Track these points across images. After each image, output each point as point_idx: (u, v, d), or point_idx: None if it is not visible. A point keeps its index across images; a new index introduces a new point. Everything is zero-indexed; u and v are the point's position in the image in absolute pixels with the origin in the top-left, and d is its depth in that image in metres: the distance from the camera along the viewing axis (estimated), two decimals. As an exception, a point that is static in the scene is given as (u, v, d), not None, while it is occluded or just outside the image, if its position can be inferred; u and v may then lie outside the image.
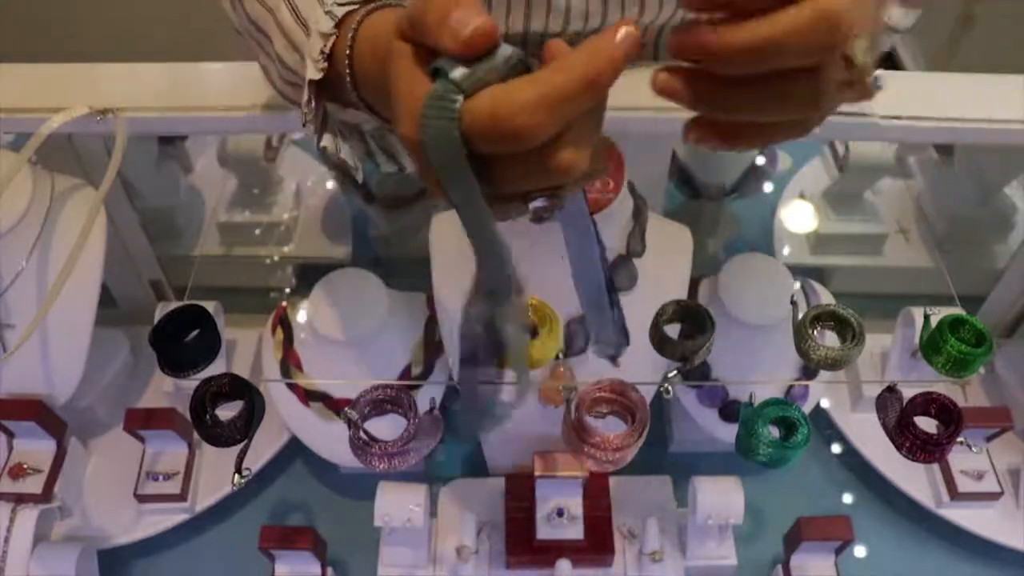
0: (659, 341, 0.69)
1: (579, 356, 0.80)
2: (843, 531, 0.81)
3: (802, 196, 1.15)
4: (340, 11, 0.49)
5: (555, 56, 0.38)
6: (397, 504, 0.82)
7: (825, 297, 0.92)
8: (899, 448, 0.68)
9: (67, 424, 0.88)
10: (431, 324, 0.89)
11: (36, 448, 0.87)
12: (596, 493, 0.85)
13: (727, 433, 0.88)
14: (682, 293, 0.82)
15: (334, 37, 0.49)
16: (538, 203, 0.40)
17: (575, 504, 0.84)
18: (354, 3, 0.50)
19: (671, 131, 0.85)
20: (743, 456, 0.68)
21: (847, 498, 0.95)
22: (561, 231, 0.51)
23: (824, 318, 0.69)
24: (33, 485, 0.85)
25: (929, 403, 0.69)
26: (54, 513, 0.87)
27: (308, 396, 0.87)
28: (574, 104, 0.36)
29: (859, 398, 0.95)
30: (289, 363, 0.88)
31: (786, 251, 1.12)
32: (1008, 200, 1.09)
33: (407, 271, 0.92)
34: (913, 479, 0.92)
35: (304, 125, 0.53)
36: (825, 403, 0.97)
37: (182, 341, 0.67)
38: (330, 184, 1.15)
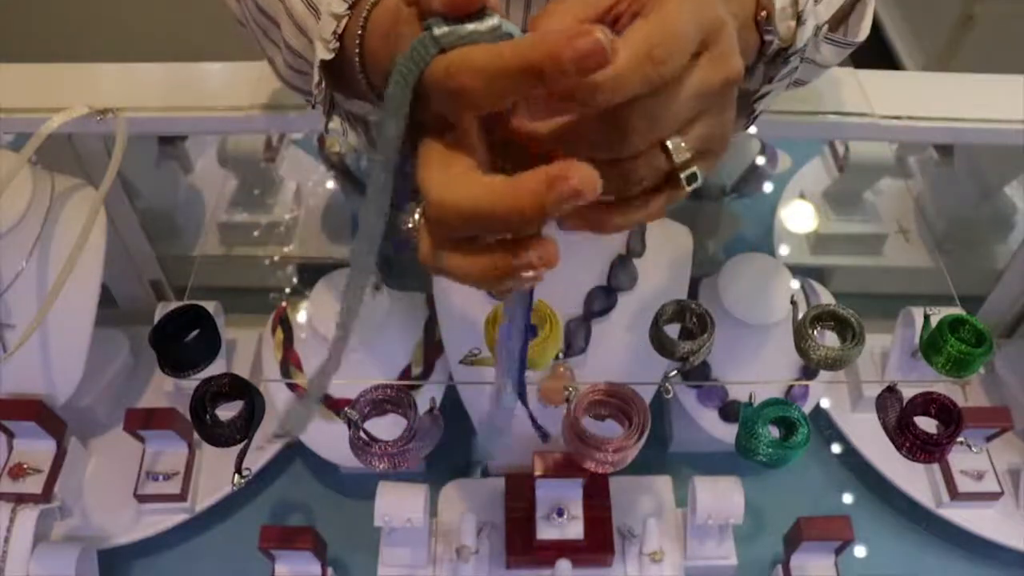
0: (659, 341, 0.69)
1: (579, 356, 0.80)
2: (843, 531, 0.81)
3: (802, 196, 1.15)
4: None
5: (535, 28, 0.39)
6: (397, 504, 0.82)
7: (825, 297, 0.92)
8: (899, 448, 0.68)
9: (67, 424, 0.88)
10: (431, 324, 0.90)
11: (36, 448, 0.87)
12: (596, 493, 0.85)
13: (727, 433, 0.88)
14: (682, 293, 0.82)
15: (346, 18, 0.49)
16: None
17: (575, 504, 0.84)
18: None
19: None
20: (743, 456, 0.68)
21: (847, 498, 0.95)
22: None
23: (824, 318, 0.69)
24: (33, 485, 0.85)
25: (929, 403, 0.69)
26: (54, 513, 0.87)
27: (308, 396, 0.87)
28: (512, 83, 0.36)
29: (859, 398, 0.95)
30: (289, 363, 0.88)
31: (786, 251, 1.12)
32: (1008, 200, 1.09)
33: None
34: (913, 479, 0.92)
35: (312, 107, 0.53)
36: (825, 403, 0.97)
37: (182, 341, 0.67)
38: (330, 184, 1.15)
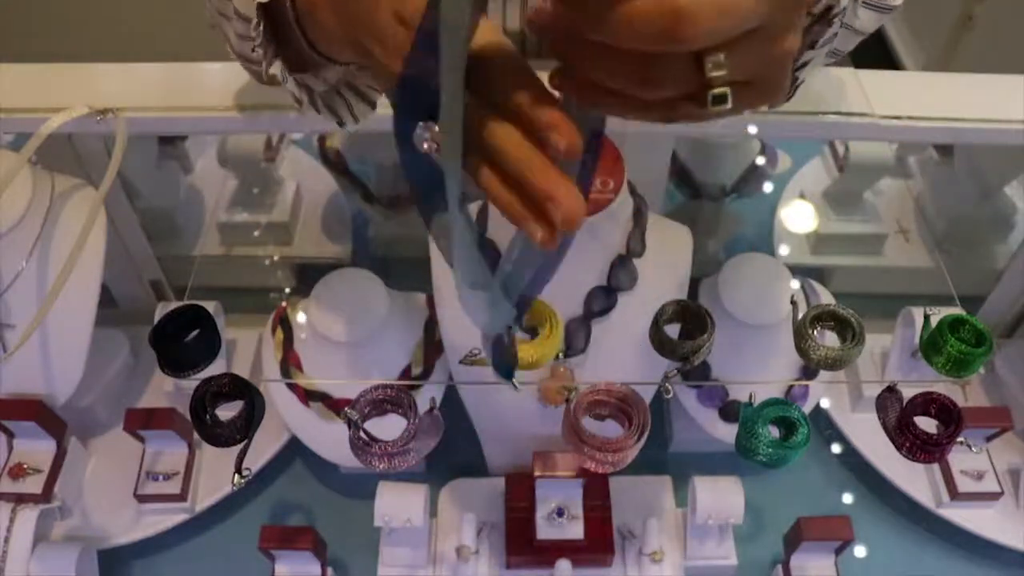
0: (659, 341, 0.68)
1: (579, 356, 0.80)
2: (843, 531, 0.81)
3: (802, 196, 1.15)
4: None
5: None
6: (397, 504, 0.82)
7: (825, 297, 0.92)
8: (899, 448, 0.68)
9: (67, 424, 0.88)
10: (431, 324, 0.90)
11: (36, 448, 0.87)
12: (596, 493, 0.85)
13: (727, 433, 0.88)
14: (682, 293, 0.82)
15: None
16: None
17: (575, 504, 0.84)
18: None
19: (671, 131, 0.86)
20: (743, 456, 0.68)
21: (847, 498, 0.95)
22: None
23: (824, 318, 0.69)
24: (33, 485, 0.85)
25: (929, 403, 0.69)
26: (54, 513, 0.87)
27: (308, 396, 0.87)
28: None
29: (859, 398, 0.95)
30: (289, 363, 0.88)
31: (786, 251, 1.12)
32: (1008, 200, 1.09)
33: (407, 271, 0.92)
34: (913, 479, 0.92)
35: (252, 51, 0.53)
36: (825, 403, 0.97)
37: (182, 341, 0.67)
38: (330, 184, 1.15)
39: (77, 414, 0.90)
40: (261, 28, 0.51)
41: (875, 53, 2.42)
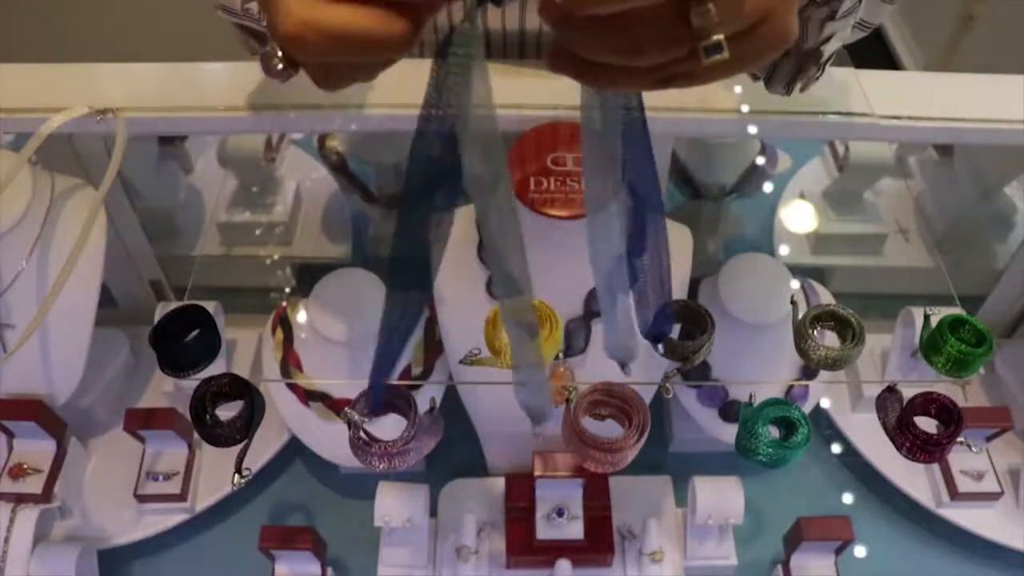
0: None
1: (579, 356, 0.80)
2: (843, 531, 0.81)
3: (802, 196, 1.15)
4: None
5: None
6: (397, 504, 0.82)
7: (825, 297, 0.92)
8: (899, 448, 0.68)
9: (67, 424, 0.88)
10: (431, 324, 0.89)
11: (36, 448, 0.87)
12: (596, 493, 0.85)
13: (727, 433, 0.88)
14: (682, 293, 0.82)
15: None
16: None
17: (575, 504, 0.84)
18: None
19: (671, 131, 0.86)
20: (743, 456, 0.68)
21: (847, 498, 0.95)
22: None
23: (824, 318, 0.69)
24: (33, 485, 0.85)
25: (929, 403, 0.69)
26: (54, 513, 0.87)
27: (308, 396, 0.87)
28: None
29: (859, 398, 0.95)
30: (289, 363, 0.88)
31: (786, 251, 1.12)
32: (1008, 200, 1.09)
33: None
34: (913, 479, 0.92)
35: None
36: (825, 403, 0.97)
37: (182, 341, 0.67)
38: (330, 184, 1.15)
39: (77, 414, 0.90)
40: None
41: (875, 53, 2.42)
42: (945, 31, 2.17)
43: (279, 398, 0.88)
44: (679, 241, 0.85)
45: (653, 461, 0.96)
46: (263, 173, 1.11)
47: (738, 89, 0.77)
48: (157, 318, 0.73)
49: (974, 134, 0.78)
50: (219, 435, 0.65)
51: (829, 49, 0.54)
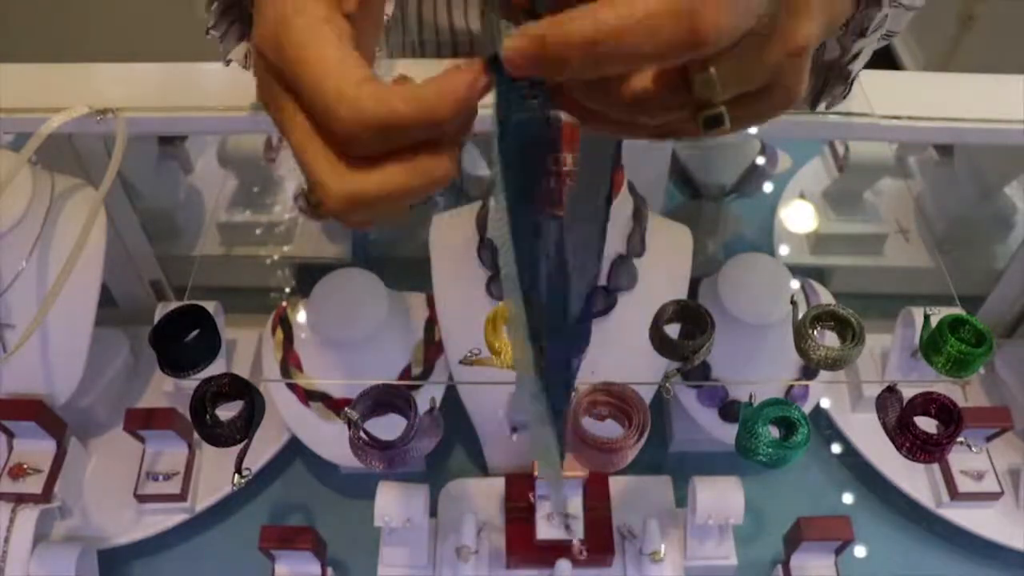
0: (659, 341, 0.68)
1: (579, 356, 0.79)
2: (843, 531, 0.81)
3: (802, 196, 1.15)
4: None
5: None
6: (397, 504, 0.82)
7: (825, 297, 0.92)
8: (899, 448, 0.68)
9: (67, 424, 0.88)
10: (431, 324, 0.89)
11: (36, 448, 0.87)
12: (596, 493, 0.85)
13: (727, 433, 0.88)
14: (682, 293, 0.82)
15: None
16: None
17: (575, 504, 0.84)
18: None
19: (671, 131, 0.86)
20: (743, 456, 0.68)
21: (847, 498, 0.95)
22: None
23: (824, 318, 0.69)
24: (33, 485, 0.85)
25: (929, 403, 0.69)
26: (54, 513, 0.87)
27: (308, 396, 0.87)
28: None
29: (859, 398, 0.95)
30: (289, 363, 0.88)
31: (786, 251, 1.12)
32: (1008, 200, 1.09)
33: (407, 271, 0.92)
34: (913, 479, 0.92)
35: (207, 33, 0.51)
36: (825, 403, 0.97)
37: (182, 341, 0.67)
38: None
39: (77, 414, 0.90)
40: (216, 7, 0.49)
41: (875, 53, 2.42)
42: (945, 31, 2.17)
43: (279, 398, 0.88)
44: (679, 241, 0.85)
45: (653, 461, 0.96)
46: (263, 173, 1.11)
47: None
48: (157, 318, 0.73)
49: (974, 134, 0.77)
50: (219, 435, 0.65)
51: (857, 67, 0.53)
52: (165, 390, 0.94)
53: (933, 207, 1.12)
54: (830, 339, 0.70)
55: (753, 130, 0.79)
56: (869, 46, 0.50)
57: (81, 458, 0.91)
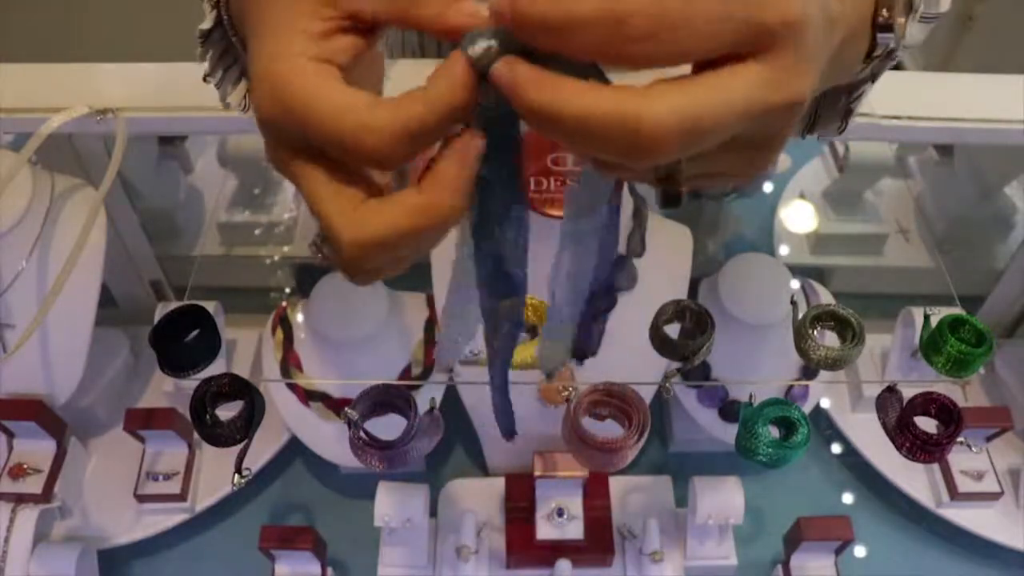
0: (659, 341, 0.68)
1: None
2: (843, 531, 0.81)
3: (802, 196, 1.15)
4: None
5: None
6: (397, 504, 0.82)
7: (825, 297, 0.92)
8: (899, 448, 0.68)
9: (67, 424, 0.88)
10: (431, 324, 0.89)
11: (36, 448, 0.87)
12: (596, 493, 0.85)
13: (727, 433, 0.88)
14: (682, 293, 0.82)
15: None
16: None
17: (575, 504, 0.84)
18: None
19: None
20: (743, 456, 0.68)
21: (847, 498, 0.95)
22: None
23: (824, 318, 0.69)
24: (33, 485, 0.85)
25: (929, 403, 0.69)
26: (54, 513, 0.87)
27: (308, 396, 0.87)
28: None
29: (859, 398, 0.95)
30: (289, 363, 0.88)
31: (786, 251, 1.12)
32: (1008, 200, 1.09)
33: (407, 271, 0.92)
34: (913, 479, 0.92)
35: (205, 80, 0.51)
36: (825, 403, 0.97)
37: (182, 341, 0.67)
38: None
39: (77, 414, 0.90)
40: (210, 55, 0.49)
41: (875, 53, 2.42)
42: (945, 31, 2.17)
43: (279, 398, 0.88)
44: (679, 241, 0.85)
45: (653, 461, 0.96)
46: (263, 173, 1.10)
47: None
48: (157, 318, 0.73)
49: (974, 134, 0.77)
50: (219, 435, 0.65)
51: (857, 105, 0.52)
52: (165, 390, 0.94)
53: (933, 207, 1.12)
54: (830, 339, 0.70)
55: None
56: (870, 88, 0.50)
57: (81, 458, 0.91)
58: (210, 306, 0.84)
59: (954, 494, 0.89)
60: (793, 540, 0.83)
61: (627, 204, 0.80)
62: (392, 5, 0.37)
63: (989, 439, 0.87)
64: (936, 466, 0.91)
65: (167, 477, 0.89)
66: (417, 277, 0.86)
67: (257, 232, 1.11)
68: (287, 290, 1.09)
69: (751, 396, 0.69)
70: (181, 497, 0.88)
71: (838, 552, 0.84)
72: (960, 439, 0.67)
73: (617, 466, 0.68)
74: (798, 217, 1.14)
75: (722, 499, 0.82)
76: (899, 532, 0.92)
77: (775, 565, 0.86)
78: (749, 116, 0.32)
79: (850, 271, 1.10)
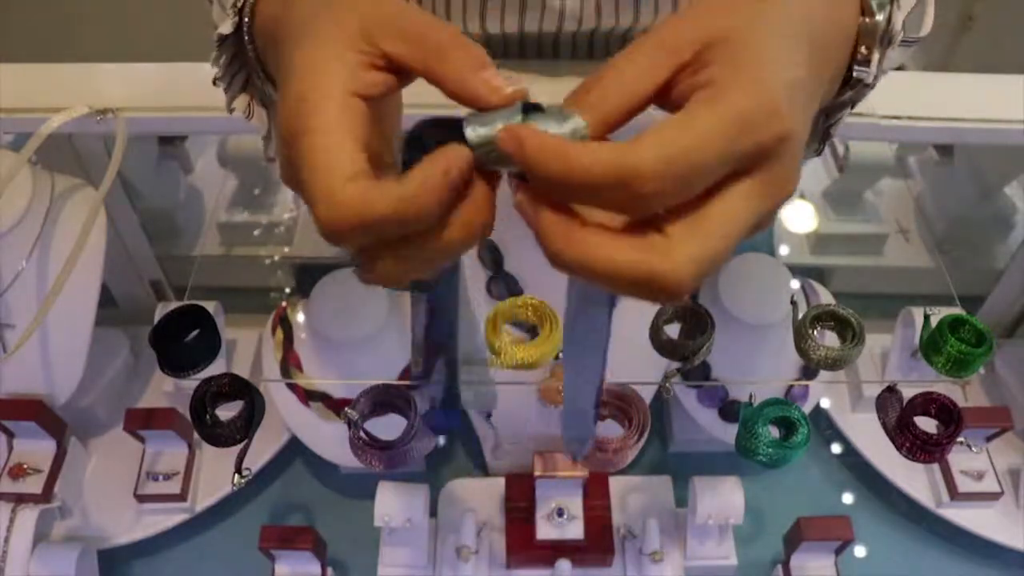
0: (659, 341, 0.68)
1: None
2: (843, 531, 0.81)
3: (802, 196, 1.15)
4: None
5: (576, 103, 0.39)
6: (397, 504, 0.82)
7: (825, 297, 0.92)
8: (899, 448, 0.68)
9: (67, 424, 0.88)
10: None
11: (36, 448, 0.87)
12: (596, 493, 0.85)
13: (727, 433, 0.88)
14: (682, 293, 0.82)
15: None
16: None
17: (575, 504, 0.84)
18: None
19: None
20: (743, 456, 0.68)
21: (847, 498, 0.95)
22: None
23: (824, 318, 0.69)
24: (33, 485, 0.85)
25: (929, 403, 0.69)
26: (54, 513, 0.87)
27: (308, 396, 0.87)
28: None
29: (859, 398, 0.95)
30: (289, 363, 0.88)
31: (786, 251, 1.12)
32: (1008, 200, 1.09)
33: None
34: (913, 479, 0.92)
35: (214, 83, 0.52)
36: (825, 403, 0.97)
37: (182, 341, 0.67)
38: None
39: (77, 414, 0.90)
40: (223, 61, 0.50)
41: (875, 53, 2.41)
42: (945, 31, 2.17)
43: (279, 398, 0.88)
44: (679, 241, 0.85)
45: (653, 461, 0.96)
46: (263, 173, 1.11)
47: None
48: (157, 318, 0.73)
49: (974, 134, 0.77)
50: (219, 435, 0.65)
51: (835, 130, 0.54)
52: (165, 390, 0.94)
53: (933, 207, 1.12)
54: (830, 339, 0.70)
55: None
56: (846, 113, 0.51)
57: (81, 458, 0.91)
58: (210, 306, 0.84)
59: (954, 494, 0.89)
60: (793, 540, 0.83)
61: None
62: (419, 54, 0.38)
63: (989, 439, 0.87)
64: (936, 466, 0.91)
65: (167, 477, 0.89)
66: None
67: (257, 232, 1.11)
68: (287, 290, 1.09)
69: (751, 396, 0.69)
70: (181, 497, 0.88)
71: (838, 552, 0.84)
72: (960, 439, 0.68)
73: (617, 466, 0.68)
74: (798, 217, 1.14)
75: (722, 499, 0.82)
76: (899, 532, 0.92)
77: (775, 565, 0.86)
78: (755, 229, 0.36)
79: (850, 271, 1.10)
